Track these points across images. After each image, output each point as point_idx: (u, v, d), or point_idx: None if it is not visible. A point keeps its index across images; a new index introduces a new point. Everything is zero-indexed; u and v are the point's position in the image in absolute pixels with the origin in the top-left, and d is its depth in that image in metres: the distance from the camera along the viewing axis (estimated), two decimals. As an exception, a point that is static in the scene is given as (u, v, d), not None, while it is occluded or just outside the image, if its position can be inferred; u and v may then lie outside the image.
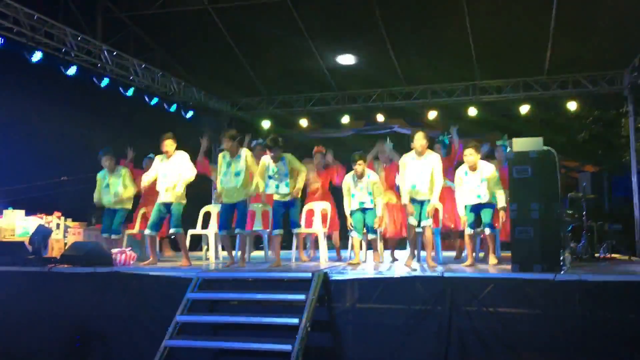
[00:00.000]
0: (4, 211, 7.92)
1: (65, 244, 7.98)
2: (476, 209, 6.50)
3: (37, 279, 6.24)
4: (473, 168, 6.48)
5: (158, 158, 6.84)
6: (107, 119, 9.10)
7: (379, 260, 7.03)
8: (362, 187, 6.63)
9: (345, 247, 7.59)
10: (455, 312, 5.03)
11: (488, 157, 7.37)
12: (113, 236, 7.22)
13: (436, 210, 6.74)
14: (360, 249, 6.92)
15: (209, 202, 10.41)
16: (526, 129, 7.79)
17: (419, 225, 6.36)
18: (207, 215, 7.73)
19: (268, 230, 7.24)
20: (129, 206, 7.38)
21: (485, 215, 6.45)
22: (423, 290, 5.20)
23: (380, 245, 7.22)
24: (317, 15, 8.88)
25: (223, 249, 7.77)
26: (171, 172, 6.67)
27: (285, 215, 6.66)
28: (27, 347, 6.01)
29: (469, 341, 4.95)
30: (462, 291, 5.11)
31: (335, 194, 7.67)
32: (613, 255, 8.07)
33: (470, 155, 6.46)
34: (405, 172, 6.33)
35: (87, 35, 8.43)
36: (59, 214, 8.21)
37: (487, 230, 6.43)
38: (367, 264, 6.71)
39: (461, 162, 6.73)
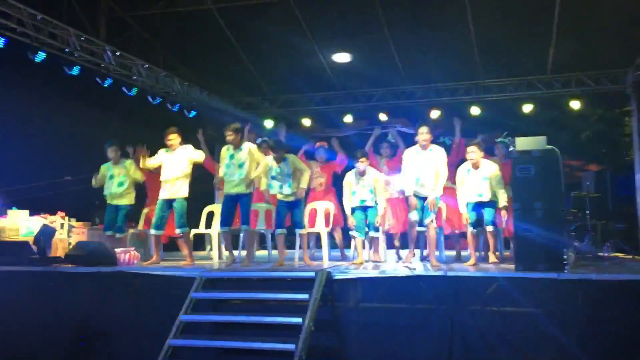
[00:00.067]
0: (8, 211, 7.93)
1: (69, 243, 7.99)
2: (477, 207, 6.48)
3: (42, 279, 6.26)
4: (476, 166, 6.47)
5: (163, 150, 6.85)
6: (110, 119, 9.12)
7: (381, 260, 7.03)
8: (364, 185, 6.59)
9: (348, 246, 7.60)
10: (458, 311, 5.04)
11: (487, 154, 7.35)
12: (117, 235, 7.22)
13: (439, 210, 6.73)
14: (363, 248, 6.92)
15: (212, 202, 10.43)
16: (529, 128, 7.77)
17: (421, 224, 6.35)
18: (210, 215, 7.75)
19: (271, 229, 7.25)
20: (132, 201, 7.32)
21: (488, 213, 6.44)
22: (426, 290, 5.20)
23: (382, 244, 7.22)
24: (320, 14, 8.89)
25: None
26: (175, 164, 6.68)
27: (289, 215, 6.67)
28: (31, 346, 6.03)
29: (473, 340, 4.95)
30: (465, 290, 5.12)
31: (339, 189, 7.66)
32: (617, 254, 8.04)
33: (473, 152, 6.45)
34: (408, 166, 6.32)
35: (90, 35, 8.45)
36: (63, 213, 8.22)
37: (490, 227, 6.42)
38: (370, 264, 6.71)
39: (463, 160, 6.72)
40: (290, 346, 4.75)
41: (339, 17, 8.93)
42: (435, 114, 10.65)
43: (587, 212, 7.92)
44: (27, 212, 7.95)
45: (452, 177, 6.89)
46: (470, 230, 6.49)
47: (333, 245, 7.93)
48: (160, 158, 6.83)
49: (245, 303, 5.62)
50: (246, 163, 6.50)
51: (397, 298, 5.25)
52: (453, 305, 5.08)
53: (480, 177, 6.42)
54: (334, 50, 9.81)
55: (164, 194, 6.72)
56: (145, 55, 9.61)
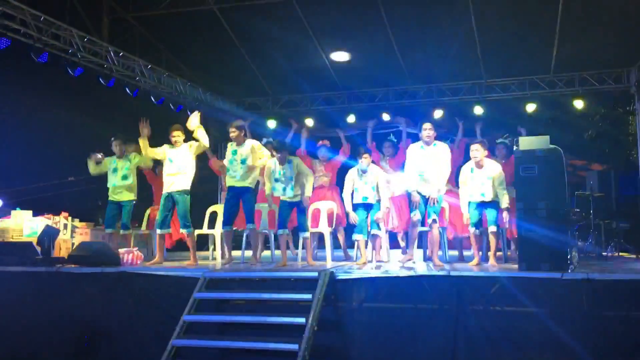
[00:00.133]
0: (12, 212, 7.95)
1: (73, 244, 8.00)
2: (480, 207, 6.46)
3: (45, 279, 6.27)
4: (479, 165, 6.46)
5: (167, 145, 6.87)
6: (113, 120, 9.12)
7: (385, 259, 7.02)
8: (367, 182, 6.55)
9: (351, 246, 7.59)
10: (462, 311, 5.03)
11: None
12: (122, 231, 7.22)
13: (442, 209, 6.72)
14: (366, 247, 6.90)
15: (216, 202, 10.44)
16: (532, 128, 7.76)
17: (423, 224, 6.34)
18: (214, 215, 7.75)
19: (274, 230, 7.26)
20: (135, 197, 7.29)
21: (490, 213, 6.42)
22: (430, 289, 5.20)
23: (385, 243, 7.21)
24: (322, 14, 8.88)
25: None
26: (178, 159, 6.70)
27: (292, 216, 6.67)
28: (34, 346, 6.04)
29: (476, 340, 4.94)
30: (469, 290, 5.11)
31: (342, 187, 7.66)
32: (621, 253, 8.03)
33: (477, 150, 6.43)
34: (412, 161, 6.31)
35: (93, 36, 8.46)
36: (66, 214, 8.23)
37: (493, 228, 6.40)
38: (373, 263, 6.70)
39: (465, 161, 6.70)
40: (294, 346, 4.75)
41: (341, 17, 8.92)
42: (438, 113, 10.63)
43: (591, 211, 7.91)
44: (30, 212, 7.96)
45: (452, 179, 6.88)
46: (472, 231, 6.47)
47: (336, 246, 7.92)
48: (163, 151, 6.85)
49: (248, 303, 5.63)
50: (248, 159, 6.53)
51: (400, 298, 5.25)
52: (456, 305, 5.07)
53: (484, 177, 6.40)
54: (336, 49, 9.80)
55: (166, 188, 6.74)
56: (148, 56, 9.62)
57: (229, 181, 6.67)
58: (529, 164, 5.45)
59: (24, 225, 7.85)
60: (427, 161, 6.24)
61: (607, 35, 8.78)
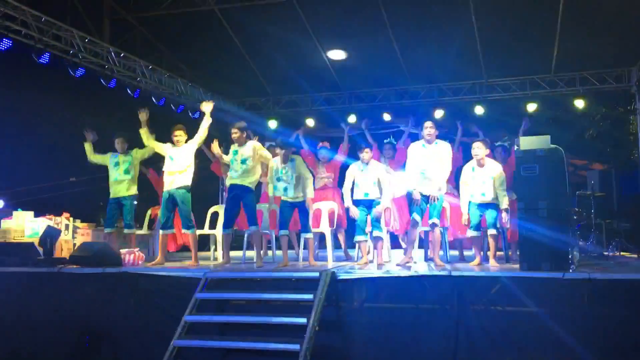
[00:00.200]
0: (14, 212, 7.97)
1: (74, 244, 8.02)
2: (480, 208, 6.44)
3: (47, 280, 6.28)
4: (481, 164, 6.45)
5: (169, 144, 6.89)
6: (114, 120, 9.13)
7: (386, 260, 7.02)
8: (368, 177, 6.47)
9: (352, 247, 7.59)
10: (463, 311, 5.03)
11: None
12: (127, 230, 7.22)
13: (443, 209, 6.72)
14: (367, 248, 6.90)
15: (217, 202, 10.46)
16: (533, 127, 7.76)
17: (426, 224, 6.34)
18: (215, 215, 7.76)
19: (275, 230, 7.26)
20: (135, 192, 7.23)
21: (490, 215, 6.41)
22: (431, 290, 5.19)
23: (387, 243, 7.20)
24: (323, 15, 8.89)
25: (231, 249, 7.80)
26: (180, 157, 6.72)
27: (294, 216, 6.67)
28: (36, 347, 6.05)
29: (478, 340, 4.94)
30: (470, 290, 5.11)
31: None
32: (622, 253, 8.03)
33: (478, 148, 6.40)
34: (413, 160, 6.31)
35: (94, 37, 8.48)
36: (68, 214, 8.24)
37: (492, 231, 6.39)
38: (374, 264, 6.70)
39: (464, 164, 6.70)
40: (295, 346, 4.76)
41: (342, 17, 8.93)
42: (439, 113, 10.63)
43: (592, 211, 7.90)
44: (32, 213, 7.98)
45: (451, 179, 6.87)
46: (473, 233, 6.46)
47: (337, 246, 7.92)
48: (165, 147, 6.87)
49: (249, 303, 5.63)
50: (249, 159, 6.54)
51: (401, 298, 5.25)
52: (457, 305, 5.07)
53: (485, 176, 6.38)
54: (336, 50, 9.81)
55: (166, 186, 6.76)
56: (149, 57, 9.64)
57: (229, 180, 6.69)
58: (530, 163, 5.44)
59: (26, 226, 7.86)
60: (428, 160, 6.23)
61: (608, 35, 8.78)
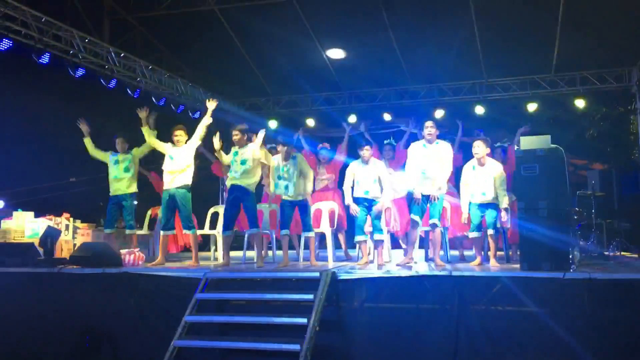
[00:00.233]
0: (14, 213, 7.97)
1: (74, 245, 8.02)
2: (480, 209, 6.44)
3: (47, 280, 6.27)
4: (481, 163, 6.44)
5: (170, 144, 6.90)
6: (114, 120, 9.13)
7: (386, 260, 7.01)
8: (368, 175, 6.44)
9: (352, 247, 7.59)
10: (463, 311, 5.02)
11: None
12: (128, 231, 7.23)
13: (444, 209, 6.71)
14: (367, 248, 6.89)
15: (217, 203, 10.46)
16: (534, 127, 7.76)
17: (428, 223, 6.33)
18: (215, 216, 7.76)
19: (275, 230, 7.26)
20: (135, 189, 7.25)
21: (490, 215, 6.41)
22: (431, 290, 5.19)
23: (387, 244, 7.20)
24: (323, 15, 8.89)
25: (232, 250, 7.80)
26: (180, 157, 6.73)
27: (295, 215, 6.66)
28: (36, 347, 6.05)
29: (478, 340, 4.94)
30: (470, 290, 5.10)
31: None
32: (622, 253, 8.02)
33: (479, 147, 6.39)
34: (414, 159, 6.30)
35: (94, 37, 8.48)
36: (68, 215, 8.25)
37: (490, 231, 6.38)
38: (375, 264, 6.69)
39: (464, 163, 6.70)
40: (295, 346, 4.75)
41: (342, 17, 8.93)
42: (439, 113, 10.63)
43: (592, 211, 7.90)
44: (32, 213, 7.98)
45: (451, 179, 6.86)
46: (473, 235, 6.46)
47: (337, 246, 7.92)
48: (165, 146, 6.89)
49: (250, 304, 5.62)
50: (249, 160, 6.54)
51: (402, 298, 5.25)
52: (458, 305, 5.06)
53: (486, 175, 6.38)
54: (337, 50, 9.81)
55: (166, 185, 6.77)
56: (149, 57, 9.64)
57: (229, 180, 6.69)
58: (530, 163, 5.44)
59: (26, 226, 7.87)
60: (429, 159, 6.23)
61: (608, 35, 8.77)
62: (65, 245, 7.96)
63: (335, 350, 5.18)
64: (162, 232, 6.88)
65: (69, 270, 6.34)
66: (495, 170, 6.39)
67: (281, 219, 6.66)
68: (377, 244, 6.52)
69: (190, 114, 11.07)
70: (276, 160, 6.66)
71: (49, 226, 7.44)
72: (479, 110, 10.48)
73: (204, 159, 8.12)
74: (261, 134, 6.59)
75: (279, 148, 6.74)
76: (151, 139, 6.91)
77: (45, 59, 7.79)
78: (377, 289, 5.34)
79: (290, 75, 10.54)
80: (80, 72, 8.41)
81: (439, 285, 5.19)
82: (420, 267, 6.02)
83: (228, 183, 6.74)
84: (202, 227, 7.73)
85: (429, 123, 6.30)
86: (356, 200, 6.48)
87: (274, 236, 7.56)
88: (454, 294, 5.11)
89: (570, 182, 5.59)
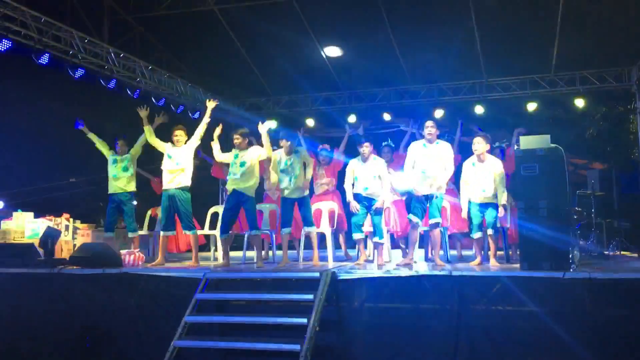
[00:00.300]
0: (14, 213, 7.97)
1: (74, 245, 8.02)
2: (481, 209, 6.43)
3: (47, 281, 6.27)
4: (481, 159, 6.44)
5: (169, 143, 6.91)
6: (114, 121, 9.14)
7: (386, 260, 7.01)
8: (368, 171, 6.43)
9: (352, 247, 7.59)
10: (463, 310, 5.02)
11: None
12: (131, 234, 7.25)
13: (444, 209, 6.71)
14: (365, 247, 6.89)
15: (217, 203, 10.45)
16: (534, 127, 7.76)
17: (426, 223, 6.33)
18: (215, 216, 7.76)
19: (275, 231, 7.27)
20: (134, 188, 7.29)
21: (489, 215, 6.41)
22: (431, 289, 5.19)
23: (387, 243, 7.20)
24: (323, 15, 8.89)
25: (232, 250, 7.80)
26: (179, 157, 6.74)
27: (295, 213, 6.67)
28: (37, 347, 6.05)
29: (478, 339, 4.94)
30: (470, 290, 5.11)
31: (343, 192, 7.65)
32: (622, 252, 8.03)
33: (478, 143, 6.39)
34: (414, 159, 6.29)
35: (94, 37, 8.48)
36: (68, 215, 8.25)
37: (490, 231, 6.38)
38: (375, 264, 6.69)
39: (463, 163, 6.69)
40: (295, 346, 4.75)
41: (342, 17, 8.93)
42: (439, 113, 10.63)
43: (592, 210, 7.90)
44: (32, 214, 7.98)
45: (451, 177, 6.86)
46: (475, 235, 6.45)
47: (336, 246, 7.92)
48: (165, 146, 6.90)
49: (249, 304, 5.63)
50: (248, 162, 6.55)
51: (402, 298, 5.25)
52: (458, 304, 5.06)
53: (486, 171, 6.36)
54: (336, 49, 9.80)
55: (165, 184, 6.78)
56: (149, 57, 9.64)
57: (229, 184, 6.68)
58: (530, 163, 5.44)
59: (26, 226, 7.87)
60: (429, 159, 6.23)
61: (608, 34, 8.77)
62: (65, 246, 7.97)
63: (335, 350, 5.18)
64: (161, 233, 6.89)
65: (69, 270, 6.34)
66: (495, 166, 6.38)
67: (282, 216, 6.67)
68: (377, 244, 6.52)
69: (190, 114, 11.06)
70: (279, 154, 6.67)
71: (48, 227, 7.45)
72: (479, 110, 10.48)
73: (204, 160, 8.14)
74: (268, 123, 6.67)
75: (282, 143, 6.76)
76: (152, 138, 6.94)
77: (44, 59, 7.79)
78: (377, 289, 5.34)
79: (290, 75, 10.52)
80: (79, 72, 8.40)
81: (438, 285, 5.19)
82: (420, 267, 6.02)
83: (229, 186, 6.72)
84: (202, 227, 7.72)
85: (429, 123, 6.30)
86: (356, 198, 6.46)
87: (274, 237, 7.57)
88: (453, 293, 5.11)
89: (570, 181, 5.58)
